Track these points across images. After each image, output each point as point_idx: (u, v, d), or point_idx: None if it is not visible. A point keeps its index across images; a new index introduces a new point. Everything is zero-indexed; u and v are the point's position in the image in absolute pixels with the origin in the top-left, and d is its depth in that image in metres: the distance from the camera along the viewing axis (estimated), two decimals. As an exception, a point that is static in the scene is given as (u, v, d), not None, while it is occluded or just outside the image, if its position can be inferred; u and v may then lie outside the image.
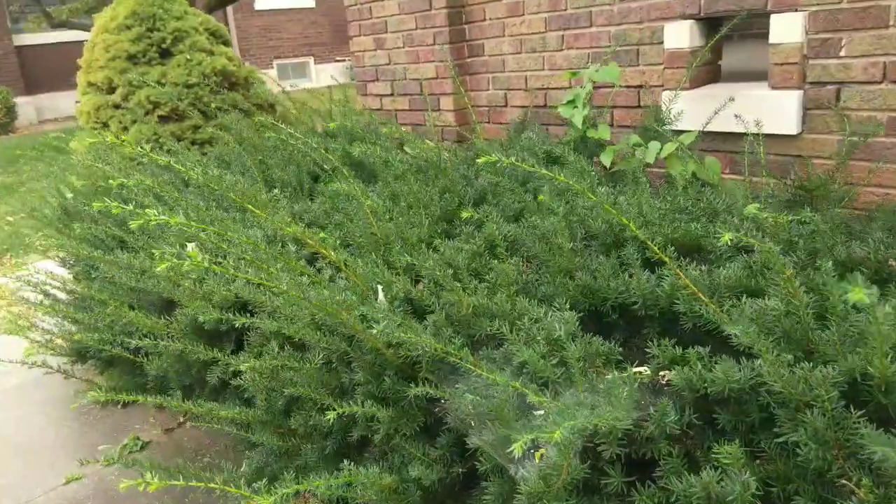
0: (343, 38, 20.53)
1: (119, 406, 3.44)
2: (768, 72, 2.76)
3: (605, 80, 2.62)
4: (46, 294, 3.26)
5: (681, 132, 2.83)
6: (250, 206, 1.67)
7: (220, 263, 1.41)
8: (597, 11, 3.32)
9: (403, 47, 4.22)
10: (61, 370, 2.81)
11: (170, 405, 1.89)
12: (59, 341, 3.31)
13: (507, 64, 3.81)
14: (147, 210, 1.67)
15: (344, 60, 20.70)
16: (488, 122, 4.02)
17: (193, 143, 4.15)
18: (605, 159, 2.46)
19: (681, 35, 3.01)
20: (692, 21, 2.98)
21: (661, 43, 3.10)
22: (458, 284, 1.43)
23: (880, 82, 2.49)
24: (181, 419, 3.32)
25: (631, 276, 1.53)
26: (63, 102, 15.58)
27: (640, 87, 3.23)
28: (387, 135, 2.91)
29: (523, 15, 3.65)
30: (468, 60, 3.98)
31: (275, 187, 2.95)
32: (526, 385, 1.21)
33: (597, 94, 3.45)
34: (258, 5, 17.60)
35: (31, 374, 3.29)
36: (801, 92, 2.68)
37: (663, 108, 2.81)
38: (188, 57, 4.18)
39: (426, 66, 4.11)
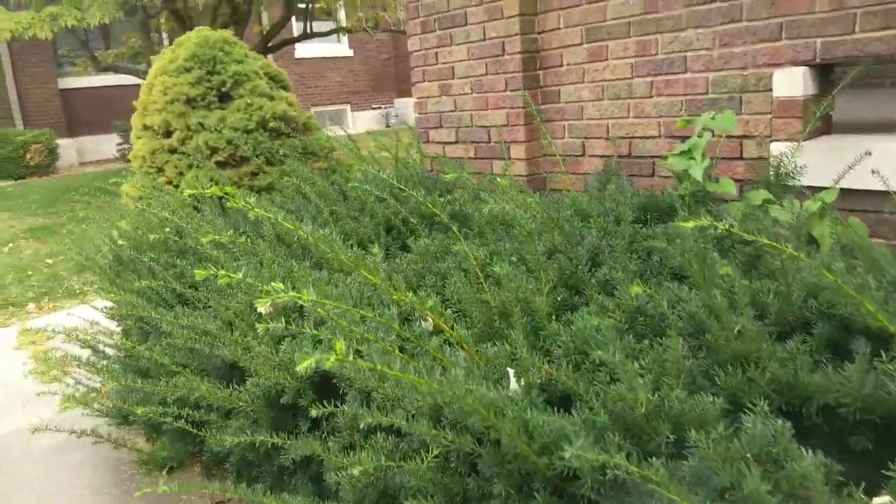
0: (379, 86, 20.74)
1: (164, 471, 3.16)
2: (900, 122, 2.48)
3: (721, 128, 2.36)
4: (95, 349, 3.03)
5: (802, 189, 2.56)
6: (364, 272, 1.41)
7: (360, 355, 1.14)
8: (692, 56, 3.08)
9: (471, 93, 4.02)
10: (112, 439, 2.55)
11: (235, 495, 1.61)
12: (101, 398, 3.07)
13: (586, 111, 3.57)
14: (226, 270, 1.43)
15: (380, 108, 20.85)
16: (557, 173, 3.77)
17: (251, 189, 3.95)
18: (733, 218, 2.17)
19: (793, 82, 2.75)
20: (806, 68, 2.72)
21: (770, 90, 2.84)
22: (631, 372, 1.14)
23: None
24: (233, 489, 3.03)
25: (842, 370, 1.23)
26: (104, 145, 15.78)
27: (744, 137, 2.96)
28: (462, 183, 2.67)
29: (607, 60, 3.43)
30: (542, 107, 3.75)
31: (350, 240, 2.71)
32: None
33: (690, 145, 3.19)
34: (298, 53, 17.83)
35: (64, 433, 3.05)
36: (940, 145, 2.39)
37: (779, 161, 2.53)
38: (248, 101, 4.02)
39: (496, 112, 3.89)
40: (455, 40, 4.02)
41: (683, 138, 3.21)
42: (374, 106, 20.75)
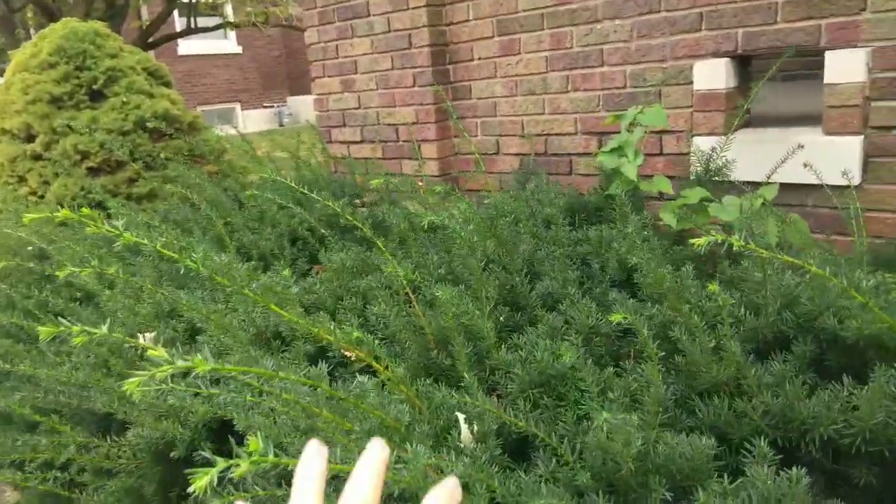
0: (271, 84, 19.99)
1: (37, 529, 2.70)
2: (823, 115, 2.44)
3: (651, 123, 2.22)
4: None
5: (731, 184, 2.46)
6: (275, 308, 1.13)
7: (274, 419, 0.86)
8: (609, 49, 2.95)
9: (377, 89, 3.75)
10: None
11: None
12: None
13: (500, 107, 3.39)
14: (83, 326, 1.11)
15: (272, 106, 20.07)
16: (471, 172, 3.57)
17: (129, 197, 3.51)
18: (670, 218, 2.03)
19: (715, 75, 2.67)
20: (727, 59, 2.64)
21: (690, 83, 2.74)
22: (631, 425, 0.92)
23: (962, 126, 2.18)
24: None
25: (844, 399, 1.07)
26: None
27: (664, 132, 2.86)
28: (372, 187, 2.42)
29: (520, 54, 3.25)
30: (453, 104, 3.53)
31: (250, 256, 2.39)
32: None
33: (608, 140, 3.06)
34: (182, 50, 16.85)
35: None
36: (862, 137, 2.35)
37: (709, 156, 2.43)
38: (124, 100, 3.57)
39: (405, 109, 3.64)
40: (357, 32, 3.73)
41: (601, 134, 3.09)
42: (265, 104, 19.95)
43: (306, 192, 1.71)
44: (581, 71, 3.06)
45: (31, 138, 3.59)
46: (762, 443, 1.00)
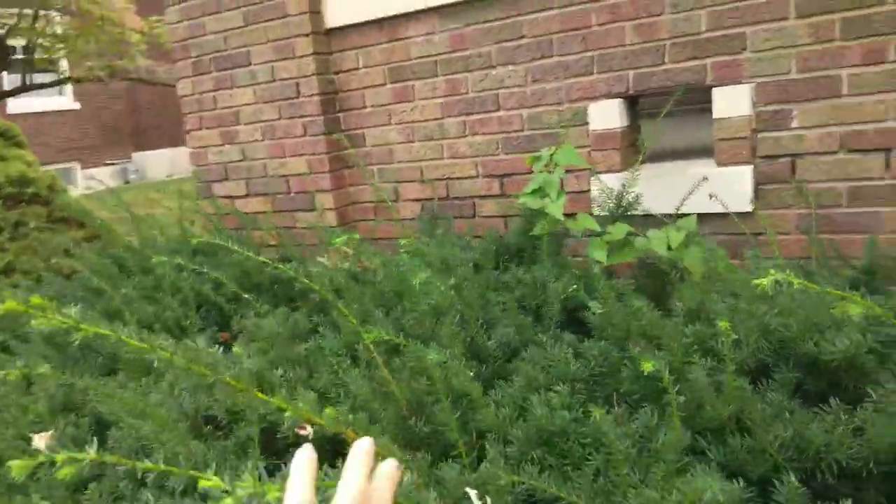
0: (112, 140, 18.79)
1: None
2: (714, 148, 2.60)
3: (568, 162, 2.25)
4: None
5: (640, 217, 2.55)
6: (230, 380, 0.98)
7: None
8: (505, 94, 3.00)
9: (263, 140, 3.57)
10: None
11: None
12: None
13: (396, 154, 3.34)
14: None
15: (115, 163, 18.80)
16: (374, 220, 3.47)
17: (-17, 275, 3.08)
18: (599, 254, 2.05)
19: (609, 115, 2.78)
20: (620, 100, 2.76)
21: (586, 124, 2.84)
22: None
23: (837, 152, 2.40)
24: None
25: (845, 423, 1.08)
26: None
27: (565, 170, 2.92)
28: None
29: (414, 100, 3.23)
30: (345, 153, 3.43)
31: (153, 331, 2.13)
32: None
33: (511, 182, 3.10)
34: (11, 109, 15.44)
35: None
36: (751, 167, 2.53)
37: (621, 192, 2.51)
38: (-30, 162, 3.15)
39: (295, 160, 3.49)
40: (238, 82, 3.56)
41: (503, 176, 3.11)
42: (107, 162, 18.65)
43: (231, 246, 1.55)
44: (478, 116, 3.09)
45: None
46: (791, 477, 0.98)
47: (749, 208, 2.54)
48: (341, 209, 3.47)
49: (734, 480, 0.99)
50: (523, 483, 0.99)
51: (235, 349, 1.35)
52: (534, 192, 2.21)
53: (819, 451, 1.08)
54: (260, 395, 1.15)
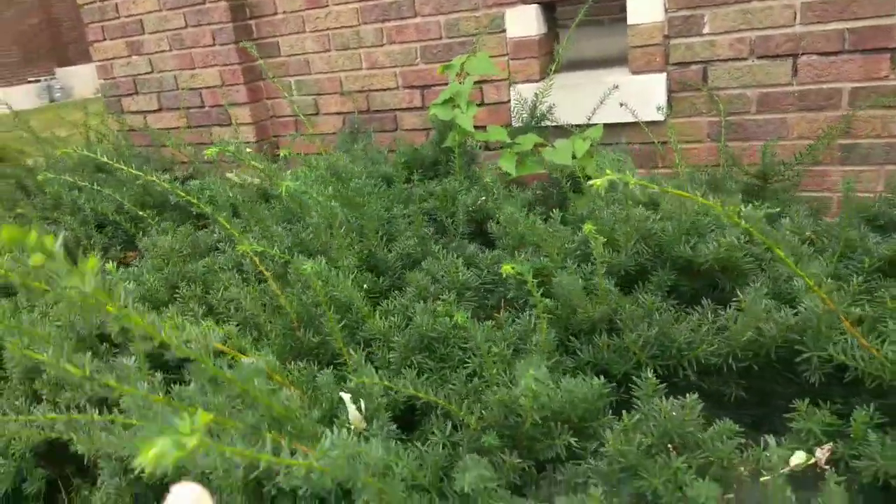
0: (31, 56, 17.63)
1: None
2: (628, 55, 2.58)
3: (480, 71, 2.21)
4: None
5: (557, 127, 2.55)
6: (110, 308, 0.96)
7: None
8: (421, 0, 2.89)
9: (171, 50, 3.39)
10: None
11: None
12: None
13: (314, 64, 3.22)
14: None
15: (38, 80, 17.69)
16: (293, 134, 3.38)
17: None
18: (508, 165, 2.04)
19: (527, 22, 2.72)
20: (536, 5, 2.69)
21: (503, 31, 2.77)
22: (542, 379, 0.90)
23: (747, 58, 2.41)
24: None
25: (711, 322, 1.13)
26: None
27: (483, 81, 2.87)
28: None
29: (327, 6, 3.09)
30: (259, 62, 3.29)
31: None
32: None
33: (432, 93, 3.03)
34: None
35: None
36: (664, 74, 2.53)
37: (533, 102, 2.48)
38: None
39: (206, 71, 3.34)
40: (140, -13, 3.33)
41: (423, 87, 3.04)
42: (29, 79, 17.53)
43: (120, 165, 1.49)
44: (395, 23, 2.98)
45: None
46: (650, 375, 1.03)
47: (662, 117, 2.55)
48: (259, 124, 3.36)
49: (598, 377, 1.04)
50: (390, 387, 1.01)
51: (90, 262, 1.30)
52: (445, 102, 2.17)
53: (681, 348, 1.13)
54: (137, 318, 1.13)
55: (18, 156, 3.19)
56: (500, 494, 0.82)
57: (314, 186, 1.45)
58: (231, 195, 1.87)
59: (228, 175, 2.37)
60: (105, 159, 1.56)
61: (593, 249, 1.13)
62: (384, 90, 3.10)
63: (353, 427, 1.06)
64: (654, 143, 2.56)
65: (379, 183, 2.10)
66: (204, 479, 1.17)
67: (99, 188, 2.00)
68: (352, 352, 1.09)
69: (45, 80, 17.80)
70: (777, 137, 2.41)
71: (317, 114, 3.28)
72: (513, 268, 0.96)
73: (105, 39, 3.55)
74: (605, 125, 2.36)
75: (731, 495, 0.94)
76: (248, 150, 2.08)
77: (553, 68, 2.50)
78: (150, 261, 1.74)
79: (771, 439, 0.93)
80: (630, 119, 2.48)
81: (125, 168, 1.56)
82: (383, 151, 2.63)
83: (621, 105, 2.35)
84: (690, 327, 1.14)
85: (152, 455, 0.47)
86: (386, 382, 1.00)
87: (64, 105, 14.12)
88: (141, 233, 2.08)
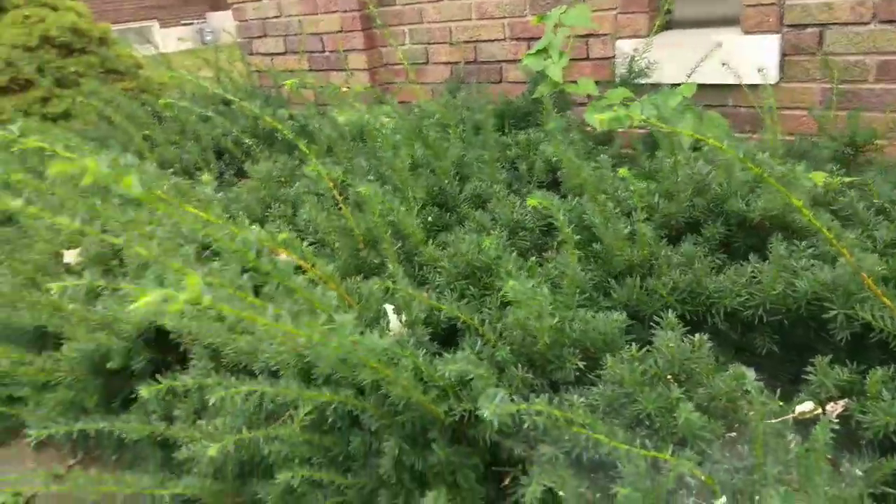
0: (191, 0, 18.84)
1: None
2: (741, 15, 2.48)
3: (576, 23, 2.22)
4: None
5: (656, 85, 2.52)
6: (191, 209, 1.12)
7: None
8: (535, -51, 2.90)
9: (298, -4, 3.60)
10: None
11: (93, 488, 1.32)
12: None
13: (427, 14, 3.32)
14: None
15: (191, 23, 18.95)
16: (402, 82, 3.52)
17: (45, 117, 3.33)
18: (594, 119, 2.07)
19: (638, -25, 2.67)
20: (650, -42, 2.63)
21: (615, -16, 2.74)
22: (544, 298, 0.98)
23: (868, 23, 2.27)
24: (72, 460, 2.63)
25: (750, 273, 1.15)
26: None
27: (590, 35, 2.86)
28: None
29: (445, -44, 3.16)
30: (378, 11, 3.43)
31: (171, 169, 2.33)
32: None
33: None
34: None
35: None
36: (778, 36, 2.42)
37: (631, 58, 2.46)
38: (26, 13, 3.33)
39: (328, 17, 3.52)
40: (274, -65, 3.55)
41: (530, 40, 3.07)
42: (184, 21, 18.82)
43: (232, 98, 1.67)
44: (508, -27, 3.01)
45: (-75, 55, 3.33)
46: (670, 315, 1.08)
47: (774, 80, 2.46)
48: (373, 70, 3.52)
49: (617, 313, 1.10)
50: (420, 298, 1.12)
51: (204, 177, 1.49)
52: (538, 53, 2.21)
53: (710, 296, 1.16)
54: (217, 220, 1.30)
55: (159, 89, 3.53)
56: (485, 384, 0.91)
57: (393, 124, 1.57)
58: (328, 132, 2.03)
59: (332, 114, 2.54)
60: (225, 93, 1.75)
61: (633, 196, 1.17)
62: (491, 41, 3.16)
63: (391, 334, 1.18)
64: (757, 107, 2.47)
65: (467, 129, 2.20)
66: (269, 370, 1.35)
67: (215, 117, 2.22)
68: (392, 266, 1.21)
69: (198, 22, 19.02)
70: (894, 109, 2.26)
71: (426, 63, 3.40)
72: (539, 201, 1.03)
73: (241, -17, 3.82)
74: (709, 86, 2.31)
75: (733, 434, 0.98)
76: (346, 89, 2.22)
77: (658, 23, 2.46)
78: (250, 183, 1.94)
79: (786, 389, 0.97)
80: (735, 81, 2.41)
81: (240, 102, 1.74)
82: (480, 101, 2.71)
83: (723, 65, 2.29)
84: (726, 279, 1.17)
85: (143, 303, 0.59)
86: (421, 296, 1.12)
87: (210, 49, 15.10)
88: (250, 161, 2.29)
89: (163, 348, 1.74)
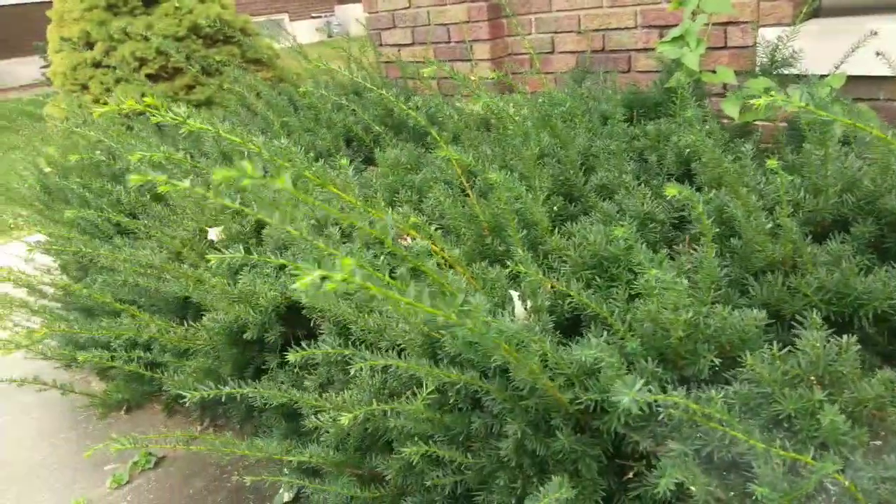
0: (320, -7, 19.59)
1: (122, 411, 2.94)
2: (903, -1, 2.29)
3: (715, 10, 2.13)
4: (31, 288, 2.74)
5: (798, 76, 2.37)
6: (334, 188, 1.18)
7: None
8: (672, -66, 2.79)
9: (427, -13, 3.66)
10: (59, 386, 2.31)
11: (226, 450, 1.42)
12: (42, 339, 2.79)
13: (555, 2, 3.28)
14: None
15: (320, 16, 19.74)
16: (526, 72, 3.50)
17: (189, 104, 3.58)
18: (732, 109, 1.98)
19: (784, -42, 2.51)
20: (799, -60, 2.47)
21: (757, -31, 2.59)
22: (682, 289, 0.96)
23: None
24: (199, 427, 2.84)
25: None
26: (24, 69, 14.63)
27: (728, 23, 2.73)
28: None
29: (576, -57, 3.11)
30: (503, 0, 3.43)
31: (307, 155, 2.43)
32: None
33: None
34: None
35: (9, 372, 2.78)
36: (945, 23, 2.21)
37: (774, 46, 2.33)
38: (177, 5, 3.58)
39: (456, 7, 3.56)
40: (406, -73, 3.62)
41: (662, 27, 2.97)
42: (313, 14, 19.64)
43: (369, 85, 1.73)
44: (642, -40, 2.92)
45: (90, 46, 3.67)
46: (814, 315, 1.02)
47: (936, 72, 2.25)
48: (497, 59, 3.52)
49: (756, 310, 1.05)
50: (546, 283, 1.12)
51: (342, 161, 1.55)
52: (674, 40, 2.13)
53: (859, 298, 1.08)
54: (359, 203, 1.36)
55: (295, 79, 3.70)
56: (615, 373, 0.90)
57: (518, 110, 1.57)
58: (455, 120, 2.06)
59: (457, 104, 2.57)
60: (363, 82, 1.81)
61: (779, 189, 1.12)
62: (621, 29, 3.08)
63: (517, 320, 1.19)
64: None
65: (593, 119, 2.16)
66: (395, 347, 1.39)
67: (347, 104, 2.30)
68: (520, 252, 1.21)
69: (326, 15, 19.78)
70: None
71: (552, 52, 3.36)
72: (679, 191, 1.00)
73: (373, -24, 3.93)
74: (858, 77, 2.15)
75: (879, 442, 0.92)
76: (474, 79, 2.24)
77: (805, 10, 2.31)
78: (379, 169, 2.00)
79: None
80: (890, 73, 2.22)
81: (378, 91, 1.79)
82: (608, 91, 2.65)
83: (878, 55, 2.12)
84: (877, 280, 1.09)
85: (303, 283, 0.63)
86: (548, 280, 1.11)
87: (338, 41, 15.66)
88: (379, 148, 2.36)
89: (293, 323, 1.84)
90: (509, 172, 1.42)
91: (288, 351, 1.92)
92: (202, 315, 1.98)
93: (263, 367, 1.89)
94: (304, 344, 1.88)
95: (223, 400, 2.23)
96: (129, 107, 1.06)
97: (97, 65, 3.64)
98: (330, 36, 18.95)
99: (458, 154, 1.34)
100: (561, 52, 3.34)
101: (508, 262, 1.38)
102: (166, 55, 3.53)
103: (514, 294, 1.21)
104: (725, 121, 2.27)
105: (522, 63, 3.52)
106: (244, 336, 1.77)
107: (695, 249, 1.42)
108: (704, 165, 1.56)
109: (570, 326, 1.26)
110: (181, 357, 1.93)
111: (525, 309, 1.20)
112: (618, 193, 1.63)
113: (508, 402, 1.09)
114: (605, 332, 1.15)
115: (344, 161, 1.45)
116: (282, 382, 1.81)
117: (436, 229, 1.44)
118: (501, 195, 1.29)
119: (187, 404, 2.31)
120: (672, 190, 0.99)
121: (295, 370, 1.85)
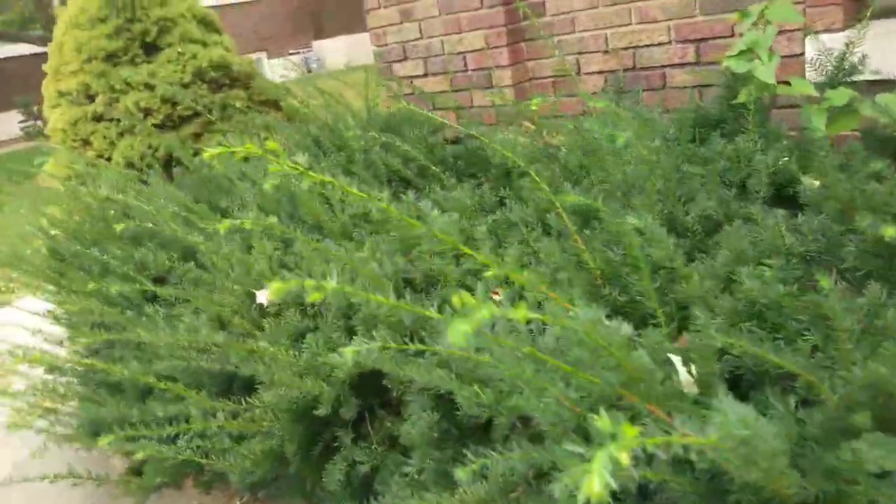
0: (296, 28, 19.60)
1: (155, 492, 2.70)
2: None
3: (782, 19, 1.99)
4: (53, 366, 2.51)
5: (863, 83, 2.23)
6: (465, 249, 1.00)
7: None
8: (705, -57, 2.68)
9: (440, 15, 3.52)
10: (94, 477, 2.09)
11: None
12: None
13: (579, 22, 3.14)
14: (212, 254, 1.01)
15: (297, 53, 19.67)
16: (552, 96, 3.35)
17: (196, 154, 3.39)
18: (819, 122, 1.83)
19: (833, -39, 2.39)
20: (849, -59, 2.36)
21: (802, -25, 2.47)
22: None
23: None
24: (239, 501, 2.61)
25: None
26: (2, 125, 14.38)
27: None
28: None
29: (599, -40, 2.98)
30: (523, 24, 3.30)
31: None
32: None
33: (708, 48, 2.82)
34: (203, 2, 16.49)
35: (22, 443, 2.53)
36: None
37: (843, 53, 2.19)
38: (180, 51, 3.42)
39: (472, 34, 3.42)
40: (415, -45, 3.49)
41: (700, 42, 2.84)
42: (290, 52, 19.57)
43: (433, 117, 1.55)
44: (673, -28, 2.80)
45: (90, 98, 3.48)
46: None
47: None
48: (519, 85, 3.38)
49: None
50: (732, 350, 0.94)
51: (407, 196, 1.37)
52: (741, 53, 1.99)
53: None
54: (464, 248, 1.18)
55: (306, 116, 3.53)
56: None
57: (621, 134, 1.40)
58: (514, 150, 1.89)
59: (500, 135, 2.41)
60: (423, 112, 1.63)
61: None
62: (653, 45, 2.95)
63: (686, 392, 1.01)
64: None
65: (663, 142, 2.00)
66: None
67: (391, 142, 2.13)
68: (696, 311, 1.03)
69: (303, 52, 19.74)
70: None
71: (578, 73, 3.22)
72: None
73: (380, 8, 3.79)
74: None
75: None
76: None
77: (868, 14, 2.18)
78: (441, 212, 1.82)
79: None
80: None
81: (431, 115, 1.62)
82: (655, 110, 2.51)
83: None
84: None
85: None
86: (733, 340, 0.93)
87: (317, 76, 15.58)
88: (425, 188, 2.19)
89: (368, 394, 1.64)
90: (630, 211, 1.25)
91: (362, 423, 1.72)
92: (251, 390, 1.77)
93: (334, 443, 1.68)
94: (384, 415, 1.68)
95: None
96: (247, 151, 0.88)
97: (98, 118, 3.44)
98: (309, 72, 18.89)
99: (576, 196, 1.16)
100: (587, 73, 3.20)
101: (638, 322, 1.21)
102: (172, 103, 3.35)
103: (677, 359, 1.03)
104: (793, 133, 2.12)
105: (545, 87, 3.38)
106: (316, 412, 1.57)
107: (844, 283, 1.26)
108: (825, 189, 1.39)
109: (736, 386, 1.09)
110: (239, 440, 1.72)
111: (691, 375, 1.02)
112: (727, 224, 1.47)
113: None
114: (792, 399, 0.97)
115: (409, 196, 1.27)
116: (359, 462, 1.61)
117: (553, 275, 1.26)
118: (633, 240, 1.11)
119: (226, 478, 2.09)
120: (889, 231, 0.82)
121: (372, 446, 1.65)
